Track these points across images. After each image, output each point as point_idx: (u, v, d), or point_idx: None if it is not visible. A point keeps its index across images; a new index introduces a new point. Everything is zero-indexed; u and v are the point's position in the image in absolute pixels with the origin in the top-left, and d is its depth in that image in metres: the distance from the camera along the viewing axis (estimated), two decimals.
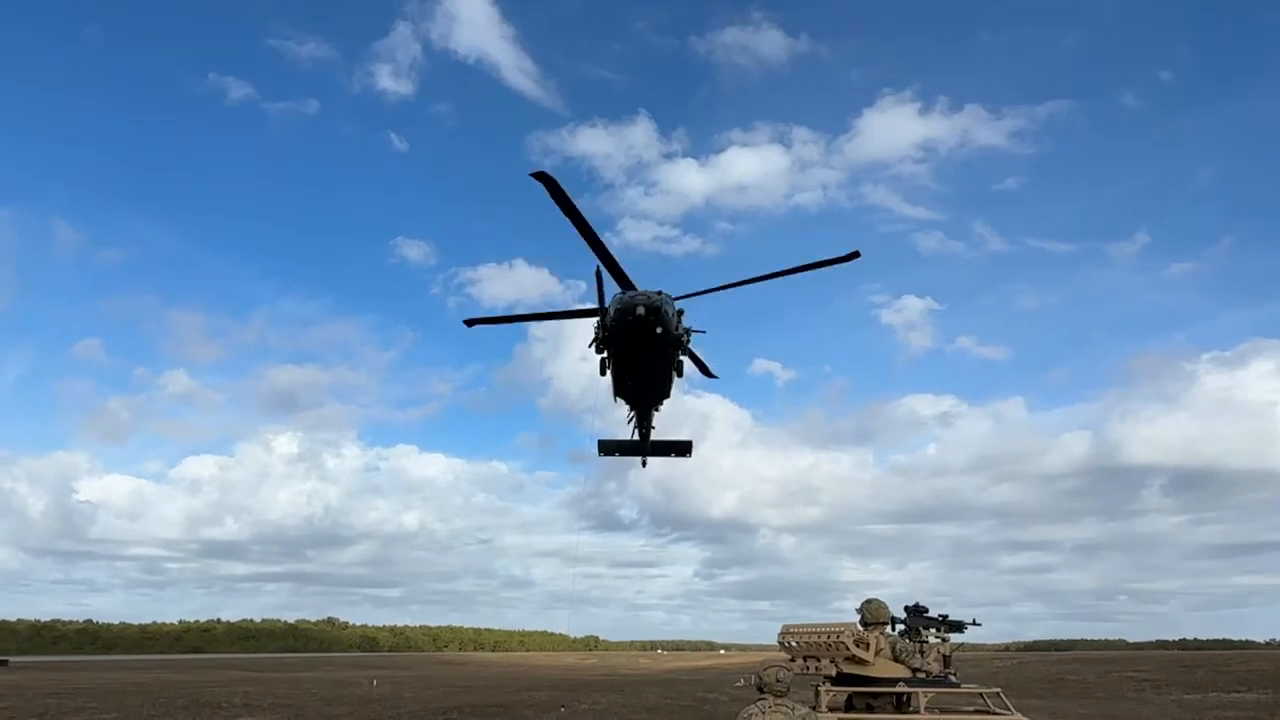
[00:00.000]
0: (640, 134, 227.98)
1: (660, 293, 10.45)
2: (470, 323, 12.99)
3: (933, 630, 10.68)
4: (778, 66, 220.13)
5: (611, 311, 10.55)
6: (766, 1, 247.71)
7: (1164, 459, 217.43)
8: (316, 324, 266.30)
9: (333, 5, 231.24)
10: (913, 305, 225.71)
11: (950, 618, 10.91)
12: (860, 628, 9.92)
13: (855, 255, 10.84)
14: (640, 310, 10.09)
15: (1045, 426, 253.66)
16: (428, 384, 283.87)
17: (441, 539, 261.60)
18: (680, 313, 10.95)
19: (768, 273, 11.36)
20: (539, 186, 9.38)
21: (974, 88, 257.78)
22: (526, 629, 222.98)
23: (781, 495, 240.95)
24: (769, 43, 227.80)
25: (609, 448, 15.52)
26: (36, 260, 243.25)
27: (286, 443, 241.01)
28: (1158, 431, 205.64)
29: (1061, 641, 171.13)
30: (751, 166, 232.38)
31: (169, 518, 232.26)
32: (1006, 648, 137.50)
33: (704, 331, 11.77)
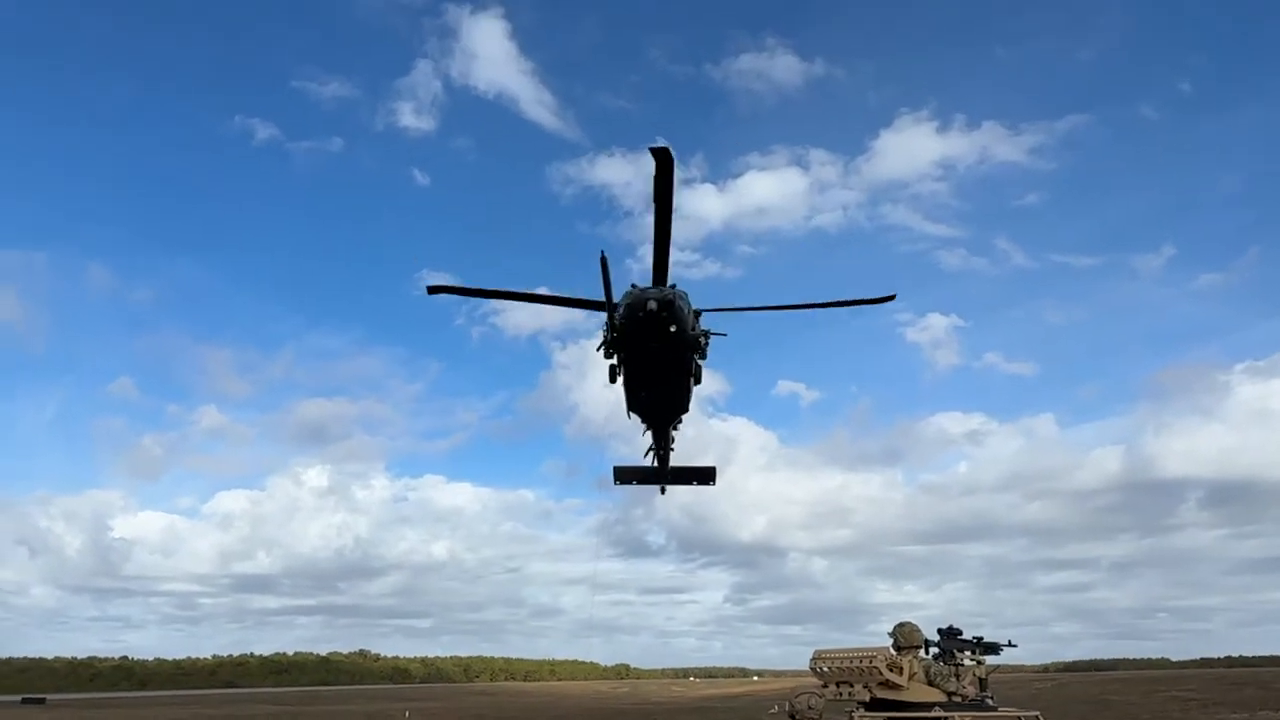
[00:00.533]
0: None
1: (674, 287, 9.59)
2: (432, 290, 11.58)
3: (967, 653, 10.56)
4: (793, 91, 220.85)
5: (620, 308, 9.70)
6: (780, 28, 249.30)
7: (1200, 472, 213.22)
8: (344, 357, 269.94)
9: (355, 46, 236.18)
10: (938, 323, 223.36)
11: (985, 639, 10.79)
12: (893, 652, 9.82)
13: (891, 298, 10.85)
14: (651, 306, 9.24)
15: (1077, 442, 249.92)
16: (454, 414, 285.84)
17: (470, 568, 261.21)
18: (697, 313, 10.17)
19: (800, 303, 10.92)
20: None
21: (991, 105, 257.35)
22: (557, 657, 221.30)
23: (811, 517, 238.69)
24: (784, 68, 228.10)
25: (626, 475, 14.52)
26: (71, 301, 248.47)
27: (316, 476, 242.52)
28: (1193, 444, 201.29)
29: (1103, 661, 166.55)
30: (770, 189, 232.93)
31: (202, 553, 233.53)
32: (1046, 669, 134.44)
33: (725, 334, 10.78)
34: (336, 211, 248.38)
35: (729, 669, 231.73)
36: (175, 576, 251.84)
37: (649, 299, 9.29)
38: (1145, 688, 57.19)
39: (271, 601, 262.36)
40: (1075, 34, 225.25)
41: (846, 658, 9.67)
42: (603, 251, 9.30)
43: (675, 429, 13.23)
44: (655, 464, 13.98)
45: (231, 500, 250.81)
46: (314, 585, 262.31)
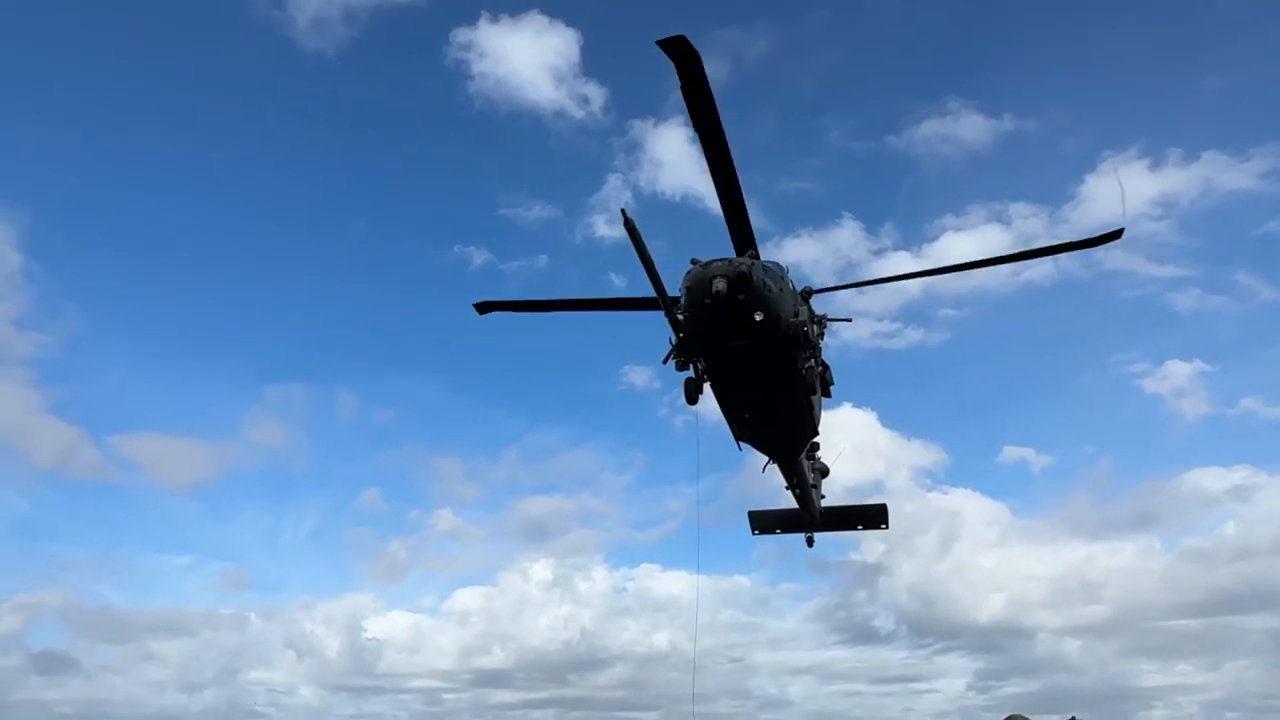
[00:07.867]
0: (846, 236, 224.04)
1: (751, 254, 6.69)
2: (482, 308, 9.89)
3: None
4: (983, 149, 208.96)
5: (682, 296, 6.85)
6: (962, 90, 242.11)
7: None
8: (558, 455, 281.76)
9: (553, 171, 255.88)
10: (1179, 370, 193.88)
11: None
12: None
13: (1118, 234, 9.11)
14: (719, 286, 6.25)
15: None
16: (662, 502, 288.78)
17: (692, 659, 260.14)
18: (803, 294, 7.34)
19: (1009, 254, 9.35)
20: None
21: (1208, 135, 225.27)
22: None
23: (1057, 594, 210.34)
24: (971, 128, 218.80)
25: (765, 522, 12.88)
26: (324, 424, 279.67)
27: (542, 570, 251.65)
28: None
29: None
30: (969, 249, 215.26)
31: (443, 649, 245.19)
32: None
33: (849, 320, 8.11)
34: (549, 323, 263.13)
35: None
36: (421, 673, 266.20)
37: (714, 276, 6.32)
38: None
39: (508, 695, 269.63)
40: None
41: None
42: (624, 210, 6.44)
43: (809, 457, 10.38)
44: (798, 507, 11.83)
45: (468, 597, 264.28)
46: (545, 678, 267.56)
